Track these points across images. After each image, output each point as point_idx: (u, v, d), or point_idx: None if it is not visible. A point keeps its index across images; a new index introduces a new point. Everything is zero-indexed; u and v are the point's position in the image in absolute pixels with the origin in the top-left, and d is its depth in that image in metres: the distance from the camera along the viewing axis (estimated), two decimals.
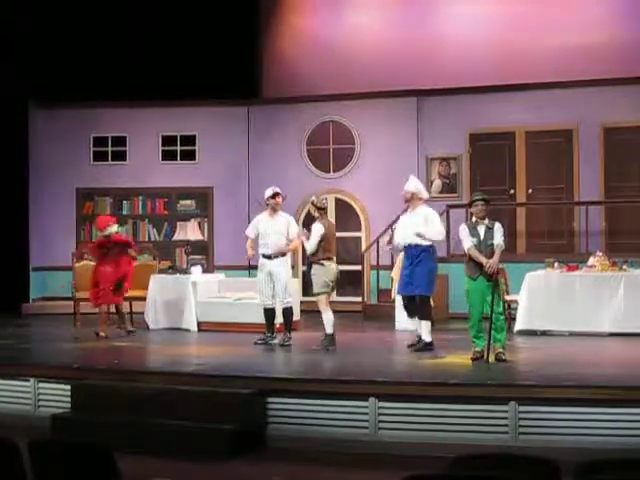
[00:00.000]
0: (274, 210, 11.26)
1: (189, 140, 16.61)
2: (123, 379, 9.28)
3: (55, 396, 9.36)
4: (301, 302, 12.97)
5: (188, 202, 16.68)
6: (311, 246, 10.71)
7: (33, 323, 14.41)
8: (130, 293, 13.61)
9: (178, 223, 15.47)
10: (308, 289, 11.29)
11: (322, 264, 10.66)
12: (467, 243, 9.76)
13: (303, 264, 11.30)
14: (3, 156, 15.78)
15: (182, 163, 16.59)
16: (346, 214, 15.75)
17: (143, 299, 13.23)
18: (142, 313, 13.26)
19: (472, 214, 10.00)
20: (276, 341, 11.27)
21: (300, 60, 16.99)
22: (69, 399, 9.14)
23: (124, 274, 12.49)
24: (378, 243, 14.54)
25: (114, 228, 12.64)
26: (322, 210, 10.90)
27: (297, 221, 13.18)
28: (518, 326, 11.99)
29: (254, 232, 11.42)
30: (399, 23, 16.45)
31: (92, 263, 14.15)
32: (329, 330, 10.67)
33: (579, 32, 15.28)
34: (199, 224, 15.92)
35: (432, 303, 10.77)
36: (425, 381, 8.60)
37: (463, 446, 7.59)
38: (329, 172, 16.22)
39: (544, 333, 12.02)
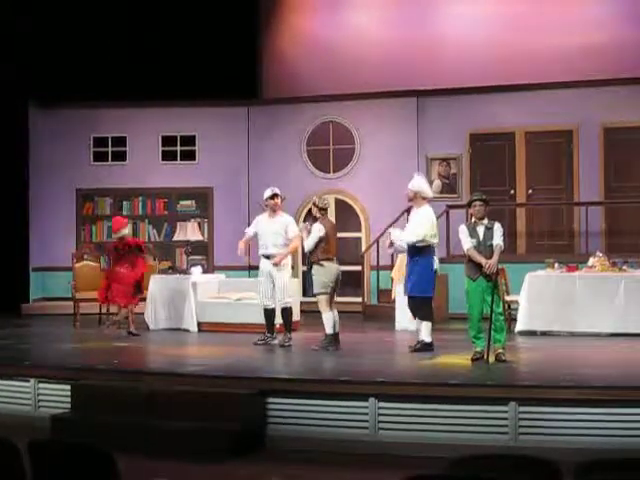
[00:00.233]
0: (273, 211, 11.27)
1: (189, 140, 16.61)
2: (123, 379, 9.28)
3: (55, 396, 9.35)
4: (301, 302, 12.99)
5: (188, 202, 16.68)
6: (308, 245, 10.73)
7: (33, 323, 14.40)
8: None
9: (178, 223, 15.47)
10: (308, 289, 11.28)
11: (321, 264, 10.66)
12: (466, 244, 9.75)
13: (303, 264, 11.29)
14: (3, 156, 15.77)
15: (182, 163, 16.59)
16: (346, 214, 15.75)
17: (143, 299, 13.21)
18: (142, 313, 13.25)
19: (471, 214, 10.01)
20: (276, 341, 11.27)
21: (300, 60, 17.00)
22: (69, 399, 9.14)
23: (141, 275, 12.55)
24: (378, 243, 14.53)
25: (126, 231, 12.71)
26: (323, 210, 10.90)
27: (297, 221, 13.17)
28: (519, 326, 12.00)
29: (253, 231, 11.45)
30: (399, 23, 16.45)
31: (92, 264, 14.24)
32: (329, 330, 10.67)
33: (579, 32, 15.28)
34: (199, 224, 15.92)
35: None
36: (425, 382, 8.60)
37: (463, 446, 7.59)
38: (329, 172, 16.22)
39: (544, 333, 12.02)
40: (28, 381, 9.52)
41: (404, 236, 10.55)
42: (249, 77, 16.98)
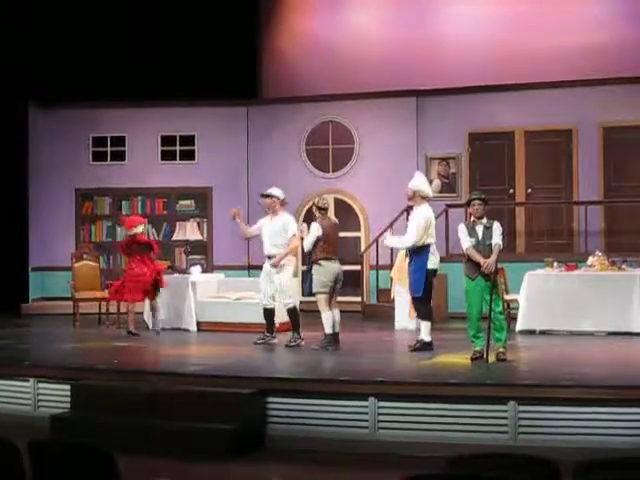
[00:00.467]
0: (272, 211, 11.32)
1: (188, 140, 16.60)
2: (123, 379, 9.28)
3: (55, 396, 9.35)
4: (300, 302, 12.98)
5: (187, 202, 16.68)
6: (306, 245, 10.78)
7: (32, 323, 14.40)
8: None
9: (177, 223, 15.45)
10: (306, 289, 11.29)
11: (320, 264, 10.67)
12: (465, 243, 9.76)
13: (303, 264, 11.31)
14: (3, 156, 15.77)
15: (181, 163, 16.59)
16: (345, 214, 15.74)
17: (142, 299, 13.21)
18: (141, 313, 13.25)
19: (470, 214, 10.02)
20: (275, 341, 11.29)
21: (299, 60, 17.00)
22: (69, 399, 9.14)
23: (159, 272, 12.64)
24: (377, 243, 14.53)
25: (139, 229, 12.75)
26: (323, 210, 10.91)
27: (297, 221, 13.16)
28: (518, 326, 12.00)
29: (255, 228, 11.48)
30: (398, 23, 16.45)
31: (92, 263, 14.23)
32: (328, 330, 10.68)
33: (578, 32, 15.29)
34: (198, 224, 15.91)
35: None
36: (424, 381, 8.61)
37: (462, 446, 7.60)
38: (328, 172, 16.22)
39: (543, 332, 12.02)
40: (28, 381, 9.53)
41: (397, 244, 10.92)
42: (248, 77, 16.98)
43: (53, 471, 4.87)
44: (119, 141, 16.65)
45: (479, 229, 9.75)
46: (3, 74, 15.03)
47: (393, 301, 13.11)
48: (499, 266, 10.19)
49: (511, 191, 15.26)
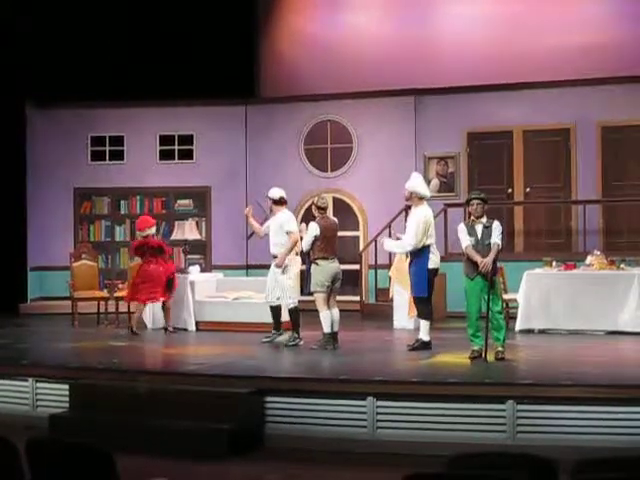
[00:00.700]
0: (271, 211, 11.37)
1: (187, 139, 16.60)
2: (121, 379, 9.28)
3: (53, 396, 9.36)
4: (299, 301, 12.98)
5: (186, 201, 16.67)
6: (304, 244, 10.82)
7: (31, 323, 14.39)
8: (128, 293, 13.64)
9: (176, 223, 15.44)
10: (304, 288, 11.30)
11: (318, 263, 10.67)
12: (464, 242, 9.78)
13: (303, 263, 11.33)
14: (1, 156, 15.76)
15: (180, 162, 16.59)
16: (344, 213, 15.74)
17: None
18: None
19: (470, 213, 10.03)
20: (282, 338, 11.31)
21: (298, 59, 17.00)
22: (67, 399, 9.14)
23: (172, 272, 12.72)
24: (376, 242, 14.53)
25: (152, 230, 12.81)
26: (322, 210, 10.92)
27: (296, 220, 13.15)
28: (518, 325, 12.01)
29: (266, 227, 11.51)
30: (397, 22, 16.45)
31: (90, 263, 14.23)
32: (326, 329, 10.68)
33: (577, 31, 15.29)
34: (197, 223, 15.90)
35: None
36: (423, 380, 8.61)
37: (461, 445, 7.61)
38: (327, 171, 16.22)
39: (542, 332, 12.03)
40: (26, 380, 9.53)
41: (397, 248, 10.95)
42: (247, 76, 16.97)
43: (52, 470, 4.86)
44: (117, 141, 16.64)
45: (478, 228, 9.76)
46: (1, 74, 15.02)
47: (392, 300, 13.12)
48: (499, 265, 10.20)
49: (509, 190, 15.26)
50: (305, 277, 11.08)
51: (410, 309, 12.02)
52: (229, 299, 12.95)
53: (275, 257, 11.29)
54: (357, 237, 15.94)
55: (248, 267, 16.18)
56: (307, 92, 16.43)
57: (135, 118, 16.59)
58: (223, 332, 12.42)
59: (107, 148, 16.64)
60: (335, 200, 15.87)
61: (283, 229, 11.19)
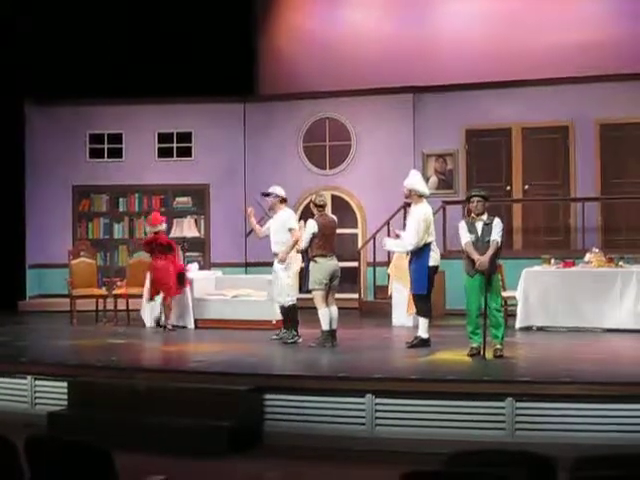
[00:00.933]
0: (273, 209, 11.34)
1: (185, 137, 16.59)
2: (120, 376, 9.28)
3: (52, 393, 9.35)
4: (298, 299, 12.98)
5: (184, 199, 16.66)
6: (303, 242, 10.80)
7: (30, 320, 14.40)
8: (126, 290, 13.66)
9: (174, 220, 15.46)
10: (303, 285, 11.30)
11: (316, 261, 10.67)
12: (464, 239, 9.78)
13: (303, 261, 11.33)
14: None
15: (178, 160, 16.58)
16: (343, 211, 15.74)
17: (139, 296, 13.22)
18: (138, 310, 13.26)
19: (470, 210, 10.03)
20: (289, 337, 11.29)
21: (296, 57, 16.99)
22: (66, 396, 9.13)
23: (181, 268, 12.86)
24: (375, 240, 14.54)
25: (163, 227, 12.94)
26: (320, 207, 10.91)
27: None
28: (518, 323, 12.01)
29: (266, 228, 11.48)
30: (395, 20, 16.45)
31: (89, 260, 14.23)
32: (325, 327, 10.68)
33: (575, 29, 15.30)
34: (195, 221, 15.91)
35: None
36: (422, 377, 8.61)
37: (460, 442, 7.60)
38: (325, 169, 16.23)
39: (541, 329, 12.03)
40: (25, 378, 9.52)
41: (398, 248, 10.94)
42: (245, 74, 16.96)
43: (51, 468, 4.87)
44: (116, 138, 16.63)
45: (479, 225, 9.76)
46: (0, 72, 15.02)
47: (390, 298, 13.12)
48: (499, 263, 10.20)
49: (508, 188, 15.26)
50: (304, 275, 11.07)
51: (409, 306, 12.02)
52: (228, 297, 12.95)
53: (275, 255, 11.28)
54: (356, 235, 15.94)
55: (247, 265, 16.19)
56: (306, 90, 16.43)
57: (134, 116, 16.59)
58: (222, 330, 12.41)
59: (106, 146, 16.64)
60: (334, 198, 15.87)
61: (285, 227, 11.18)
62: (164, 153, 16.60)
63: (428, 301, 10.56)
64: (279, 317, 11.66)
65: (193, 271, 13.48)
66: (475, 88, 15.32)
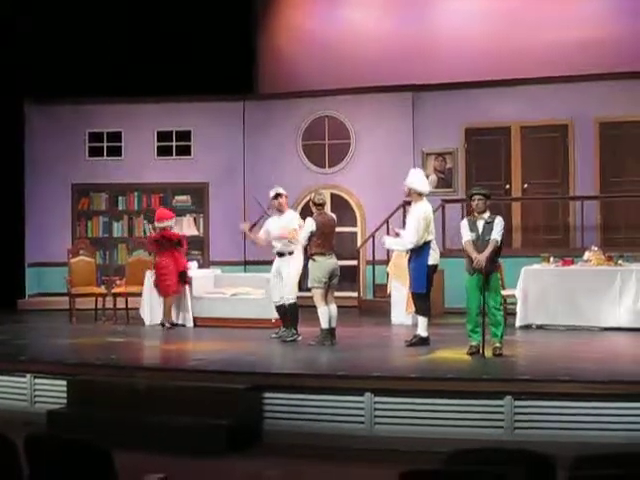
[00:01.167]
0: (279, 210, 11.31)
1: (184, 135, 16.58)
2: (119, 375, 9.28)
3: (51, 392, 9.36)
4: (297, 297, 12.99)
5: (184, 197, 16.65)
6: (301, 240, 10.80)
7: (29, 319, 14.39)
8: (125, 289, 13.67)
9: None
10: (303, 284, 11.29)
11: (314, 259, 10.67)
12: (464, 237, 9.80)
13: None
14: None
15: (178, 158, 16.57)
16: (342, 209, 15.73)
17: (139, 295, 13.23)
18: (137, 309, 13.26)
19: (472, 209, 10.03)
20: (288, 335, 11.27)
21: (296, 55, 16.98)
22: (65, 395, 9.13)
23: (184, 267, 12.84)
24: (374, 238, 14.54)
25: (170, 223, 12.95)
26: (319, 206, 10.91)
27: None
28: (517, 321, 12.01)
29: (265, 234, 11.45)
30: (394, 18, 16.44)
31: (88, 259, 14.23)
32: (324, 325, 10.68)
33: (574, 27, 15.29)
34: (195, 219, 15.90)
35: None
36: (421, 376, 8.62)
37: (459, 441, 7.59)
38: (325, 167, 16.22)
39: (540, 327, 12.03)
40: (24, 376, 9.52)
41: (398, 246, 10.95)
42: (245, 72, 16.95)
43: (50, 467, 4.87)
44: (115, 137, 16.62)
45: (480, 224, 9.77)
46: None
47: (389, 296, 13.12)
48: (499, 261, 10.19)
49: (507, 186, 15.26)
50: (304, 273, 11.07)
51: (408, 305, 12.02)
52: (227, 295, 12.95)
53: (280, 255, 11.23)
54: (355, 233, 15.94)
55: (246, 263, 16.18)
56: (305, 88, 16.42)
57: (133, 114, 16.57)
58: (221, 328, 12.41)
59: (105, 144, 16.63)
60: (333, 196, 15.86)
61: (289, 227, 11.16)
62: (163, 151, 16.59)
63: (427, 300, 10.56)
64: (277, 316, 11.64)
65: (192, 269, 13.48)
66: (474, 86, 15.31)
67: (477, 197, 9.83)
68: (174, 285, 12.69)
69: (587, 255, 12.35)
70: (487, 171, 15.29)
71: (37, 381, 9.48)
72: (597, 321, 11.80)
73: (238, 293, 12.90)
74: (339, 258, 11.03)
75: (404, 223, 11.35)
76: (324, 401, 8.41)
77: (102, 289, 14.23)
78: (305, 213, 12.96)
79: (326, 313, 10.65)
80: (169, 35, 16.09)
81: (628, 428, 7.70)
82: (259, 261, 14.83)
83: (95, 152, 16.62)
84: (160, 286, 12.72)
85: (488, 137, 15.38)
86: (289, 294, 11.14)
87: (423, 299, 10.53)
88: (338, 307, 10.93)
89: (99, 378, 9.25)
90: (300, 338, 11.04)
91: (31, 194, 16.42)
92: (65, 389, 9.14)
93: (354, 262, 15.17)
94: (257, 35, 17.36)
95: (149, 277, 13.12)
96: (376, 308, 14.09)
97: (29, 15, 15.61)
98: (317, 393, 8.44)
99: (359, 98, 16.02)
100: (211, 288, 13.42)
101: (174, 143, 16.59)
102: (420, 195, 10.52)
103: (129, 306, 13.43)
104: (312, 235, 10.67)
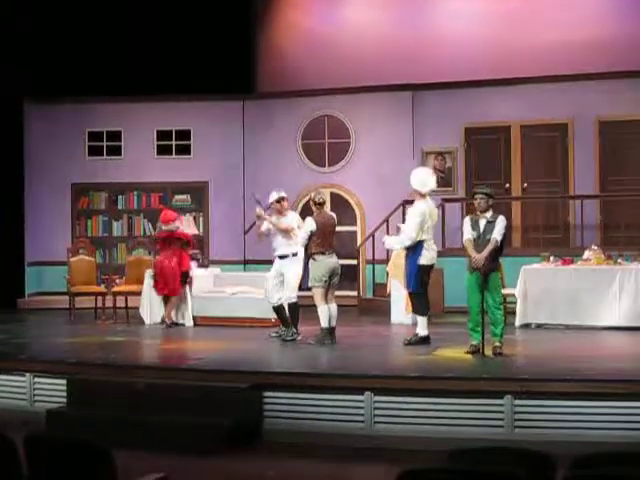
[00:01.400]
0: (280, 213, 11.26)
1: (184, 135, 16.58)
2: (119, 374, 9.28)
3: (51, 391, 9.35)
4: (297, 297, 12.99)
5: (183, 197, 16.65)
6: (300, 240, 10.79)
7: (29, 318, 14.40)
8: (125, 288, 13.68)
9: None
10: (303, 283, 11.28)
11: (315, 259, 10.67)
12: (465, 235, 9.81)
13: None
14: None
15: (177, 158, 16.57)
16: (341, 208, 15.73)
17: (138, 294, 13.23)
18: (137, 308, 13.26)
19: (475, 207, 10.05)
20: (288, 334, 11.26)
21: (295, 54, 16.97)
22: (65, 394, 9.12)
23: (187, 268, 12.86)
24: (374, 237, 14.53)
25: (176, 224, 13.00)
26: (320, 205, 10.91)
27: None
28: (518, 320, 12.01)
29: (266, 229, 11.44)
30: (394, 17, 16.43)
31: (88, 258, 14.23)
32: (324, 324, 10.68)
33: (574, 26, 15.27)
34: (194, 219, 15.89)
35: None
36: (421, 375, 8.61)
37: (459, 440, 7.59)
38: (324, 166, 16.21)
39: (539, 327, 12.04)
40: (24, 376, 9.51)
41: (397, 244, 10.98)
42: (244, 71, 16.95)
43: (49, 466, 4.86)
44: (115, 136, 16.62)
45: (482, 223, 9.77)
46: None
47: (389, 295, 13.12)
48: (500, 261, 10.19)
49: (507, 185, 15.26)
50: (304, 272, 11.06)
51: (407, 304, 12.01)
52: (227, 294, 12.94)
53: (282, 257, 11.20)
54: (355, 232, 15.93)
55: (246, 262, 16.18)
56: (304, 87, 16.41)
57: (132, 113, 16.57)
58: (221, 327, 12.42)
59: (104, 143, 16.62)
60: (332, 195, 15.85)
61: (290, 226, 11.15)
62: (163, 151, 16.59)
63: (423, 299, 10.54)
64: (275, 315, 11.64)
65: (192, 269, 13.46)
66: (474, 86, 15.31)
67: (479, 196, 9.84)
68: (178, 288, 12.68)
69: (587, 254, 12.35)
70: (487, 170, 15.29)
71: (37, 380, 9.47)
72: (597, 320, 11.80)
73: (238, 292, 12.90)
74: (338, 257, 11.02)
75: (404, 222, 11.35)
76: (324, 400, 8.40)
77: (102, 288, 14.25)
78: (305, 212, 12.97)
79: (326, 312, 10.65)
80: (169, 34, 16.08)
81: (628, 427, 7.70)
82: (259, 260, 14.83)
83: (95, 151, 16.62)
84: (154, 285, 12.72)
85: (488, 136, 15.38)
86: (290, 293, 11.13)
87: (418, 298, 10.53)
88: (338, 306, 10.93)
89: (99, 377, 9.24)
90: (300, 337, 11.04)
91: (31, 193, 16.41)
92: (65, 388, 9.13)
93: (354, 261, 15.17)
94: (257, 34, 17.35)
95: (149, 276, 13.12)
96: (376, 307, 14.08)
97: (29, 15, 15.60)
98: (317, 392, 8.44)
99: (359, 97, 16.01)
100: (211, 287, 13.42)
101: (174, 142, 16.58)
102: (419, 194, 10.54)
103: (129, 305, 13.44)
104: (312, 234, 10.67)
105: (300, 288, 11.21)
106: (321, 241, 10.69)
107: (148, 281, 13.12)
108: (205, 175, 16.46)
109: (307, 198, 13.46)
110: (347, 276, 14.73)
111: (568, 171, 15.01)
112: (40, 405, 9.27)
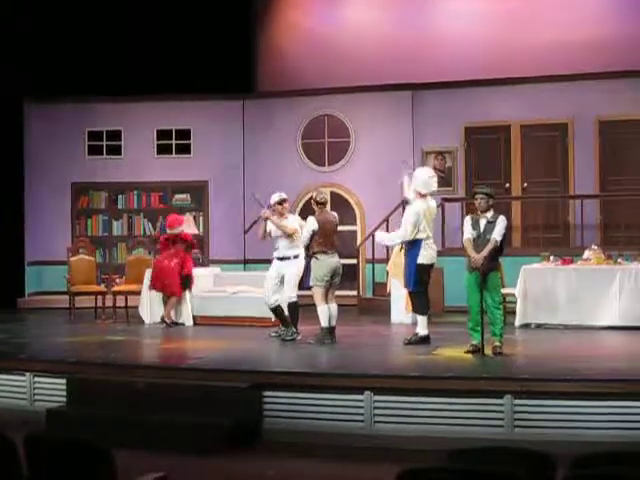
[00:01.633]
0: (281, 215, 11.23)
1: (184, 134, 16.58)
2: (118, 373, 9.28)
3: (51, 390, 9.35)
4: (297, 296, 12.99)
5: (183, 196, 16.66)
6: (302, 239, 10.80)
7: (29, 317, 14.40)
8: (125, 287, 13.68)
9: None
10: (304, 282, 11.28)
11: (317, 258, 10.67)
12: (465, 235, 9.82)
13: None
14: None
15: (177, 157, 16.57)
16: (341, 208, 15.72)
17: (138, 293, 13.23)
18: (137, 307, 13.26)
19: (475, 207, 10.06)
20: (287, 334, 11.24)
21: (295, 54, 16.97)
22: (64, 393, 9.12)
23: (189, 270, 12.93)
24: (373, 237, 14.52)
25: (182, 228, 13.06)
26: (321, 205, 10.91)
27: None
28: (517, 320, 12.01)
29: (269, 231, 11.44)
30: (394, 17, 16.43)
31: (88, 257, 14.23)
32: (324, 324, 10.68)
33: (574, 26, 15.27)
34: (194, 218, 15.89)
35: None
36: (420, 375, 8.61)
37: (458, 440, 7.59)
38: (324, 166, 16.22)
39: (539, 326, 12.03)
40: (24, 375, 9.51)
41: (387, 241, 11.23)
42: (244, 71, 16.95)
43: (49, 465, 4.86)
44: (115, 135, 16.62)
45: (482, 223, 9.78)
46: None
47: (389, 295, 13.12)
48: (500, 260, 10.20)
49: (507, 185, 15.26)
50: (305, 271, 11.06)
51: (407, 304, 12.02)
52: (227, 293, 12.94)
53: (284, 259, 11.19)
54: (354, 231, 15.93)
55: (245, 262, 16.18)
56: (304, 87, 16.42)
57: (132, 113, 16.57)
58: (221, 327, 12.42)
59: (104, 143, 16.62)
60: (332, 194, 15.84)
61: (291, 226, 11.15)
62: (163, 150, 16.59)
63: (422, 298, 10.54)
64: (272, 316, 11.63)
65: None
66: (474, 85, 15.31)
67: (480, 196, 9.84)
68: (177, 289, 12.70)
69: (587, 254, 12.35)
70: (487, 170, 15.29)
71: (36, 380, 9.47)
72: (597, 320, 11.80)
73: (238, 291, 12.90)
74: (339, 256, 11.02)
75: None
76: (324, 400, 8.40)
77: (102, 287, 14.25)
78: (305, 212, 12.97)
79: (326, 312, 10.65)
80: (169, 34, 16.08)
81: (629, 427, 7.70)
82: (259, 260, 14.82)
83: (95, 151, 16.62)
84: (165, 289, 12.76)
85: (488, 136, 15.38)
86: (290, 292, 11.12)
87: (418, 297, 10.53)
88: (337, 306, 10.93)
89: (99, 377, 9.24)
90: (299, 337, 11.04)
91: (31, 193, 16.41)
92: (65, 388, 9.13)
93: (354, 261, 15.16)
94: (257, 34, 17.35)
95: (148, 276, 13.13)
96: (376, 307, 14.08)
97: (29, 15, 15.60)
98: (317, 392, 8.44)
99: (359, 97, 16.02)
100: (211, 287, 13.42)
101: (174, 141, 16.59)
102: (419, 194, 10.56)
103: (129, 304, 13.44)
104: (314, 234, 10.67)
105: (301, 287, 11.21)
106: (323, 240, 10.69)
107: (148, 281, 13.12)
108: (205, 175, 16.46)
109: (308, 197, 13.45)
110: (347, 275, 14.71)
111: (568, 171, 15.01)
112: (40, 405, 9.27)
